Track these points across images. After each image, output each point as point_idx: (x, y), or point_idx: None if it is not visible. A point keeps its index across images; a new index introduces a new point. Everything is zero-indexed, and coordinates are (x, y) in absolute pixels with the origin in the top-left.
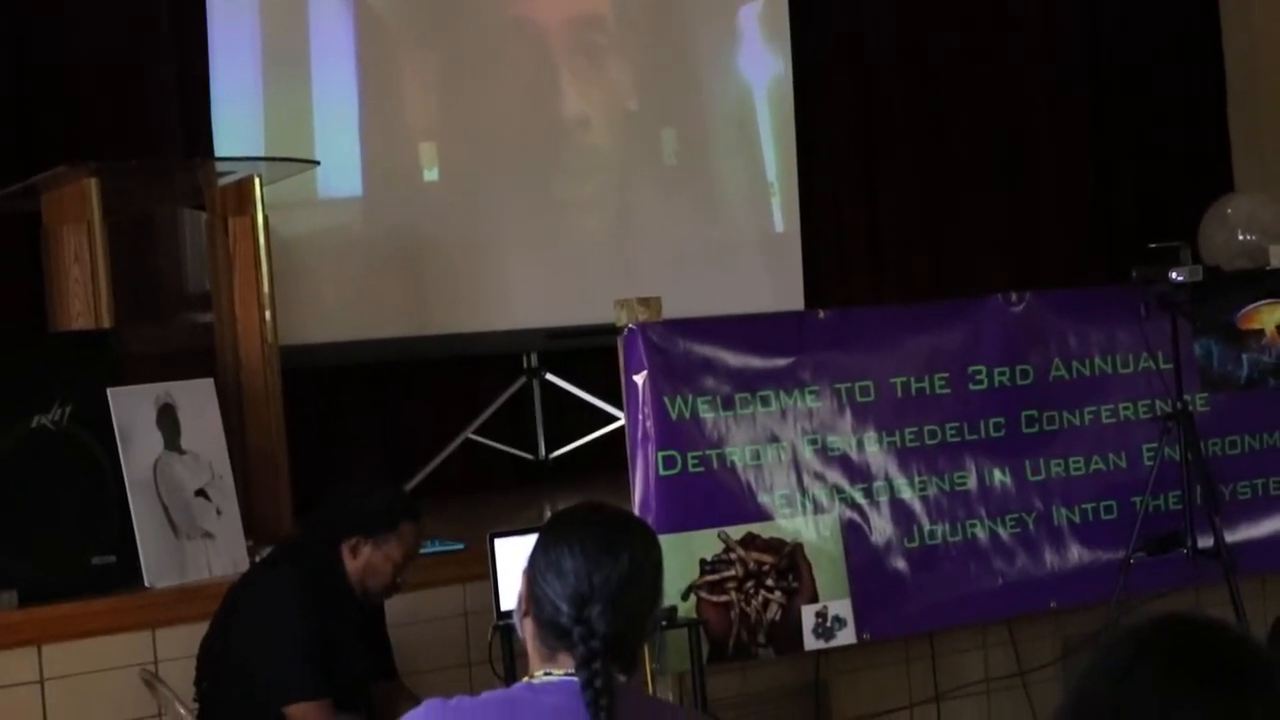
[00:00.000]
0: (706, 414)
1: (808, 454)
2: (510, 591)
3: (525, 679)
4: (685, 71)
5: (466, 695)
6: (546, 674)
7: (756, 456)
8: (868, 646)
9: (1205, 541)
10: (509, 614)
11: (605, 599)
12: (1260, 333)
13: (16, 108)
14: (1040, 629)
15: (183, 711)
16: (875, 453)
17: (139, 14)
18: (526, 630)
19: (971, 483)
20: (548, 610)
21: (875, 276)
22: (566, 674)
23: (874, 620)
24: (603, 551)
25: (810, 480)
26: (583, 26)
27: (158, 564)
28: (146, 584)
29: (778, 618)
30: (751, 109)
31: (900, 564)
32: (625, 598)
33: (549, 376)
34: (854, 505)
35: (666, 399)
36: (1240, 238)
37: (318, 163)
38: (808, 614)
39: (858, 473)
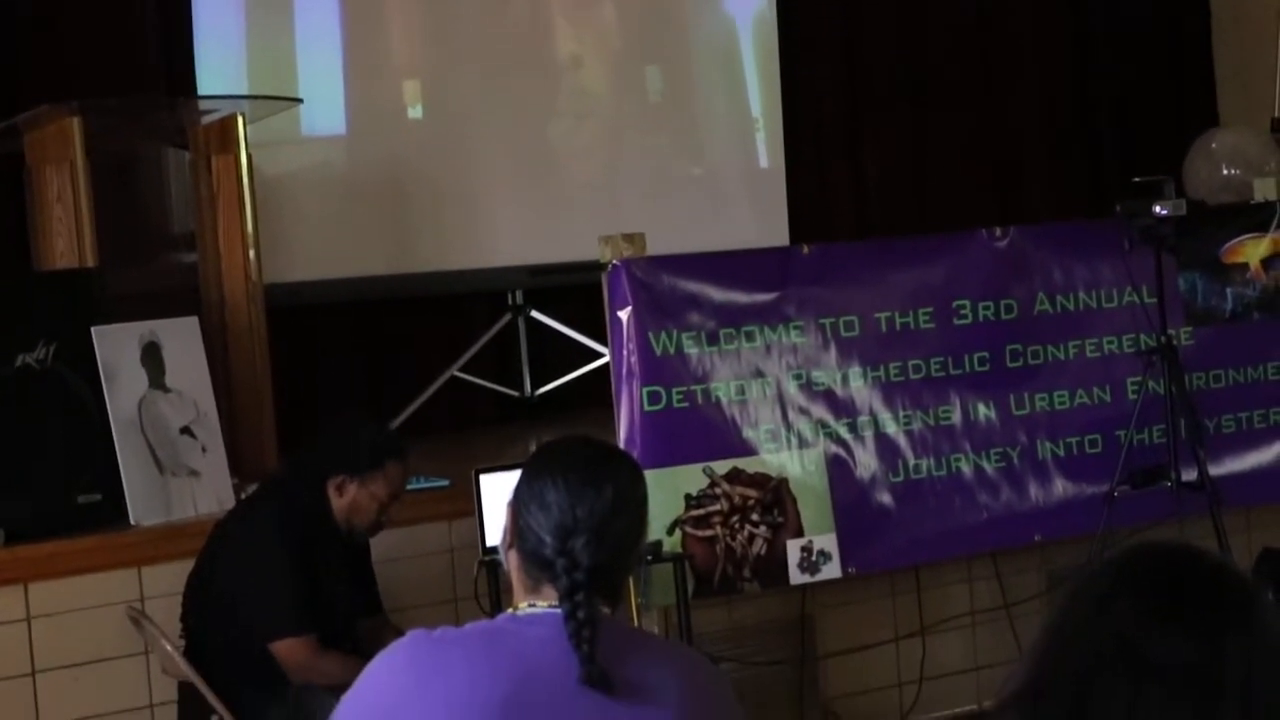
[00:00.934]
0: (691, 349)
1: (792, 389)
2: (496, 527)
3: (509, 610)
4: (669, 8)
5: (450, 626)
6: (531, 606)
7: (741, 392)
8: (853, 581)
9: (1189, 475)
10: (494, 549)
11: (589, 531)
12: (1244, 267)
13: None
14: (1025, 562)
15: (169, 648)
16: (860, 387)
17: None
18: (511, 562)
19: (956, 417)
20: (531, 542)
21: (860, 212)
22: (550, 606)
23: (859, 554)
24: (587, 484)
25: (795, 415)
26: None
27: (143, 502)
28: (132, 522)
29: (763, 552)
30: (736, 44)
31: (885, 498)
32: (609, 530)
33: (534, 313)
34: (839, 440)
35: (651, 334)
36: (1225, 172)
37: (301, 100)
38: (793, 548)
39: (842, 407)
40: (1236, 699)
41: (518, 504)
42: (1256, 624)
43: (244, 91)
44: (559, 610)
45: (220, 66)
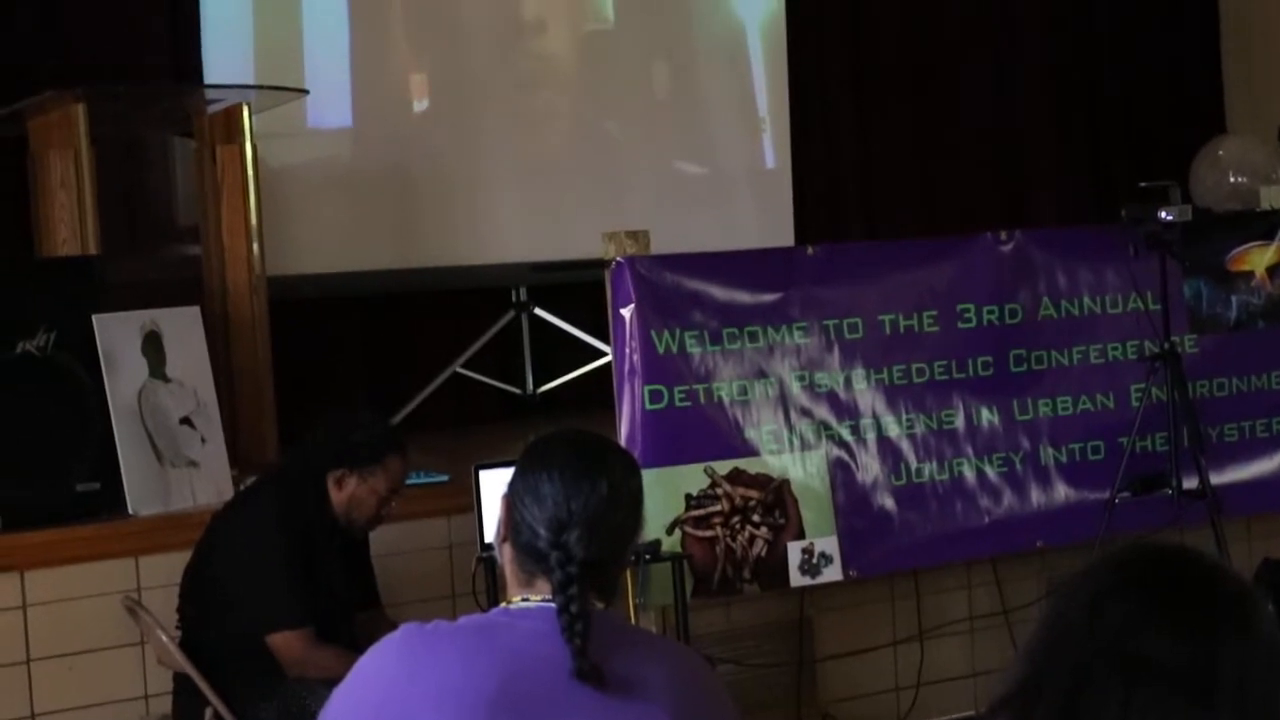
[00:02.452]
0: (694, 348)
1: (795, 390)
2: (494, 524)
3: (503, 604)
4: (678, 5)
5: (444, 619)
6: (524, 599)
7: (744, 392)
8: (852, 584)
9: (1191, 483)
10: (493, 545)
11: (583, 524)
12: (1250, 275)
13: (4, 33)
14: (1025, 568)
15: (165, 639)
16: (863, 390)
17: None
18: (505, 556)
19: (959, 421)
20: (525, 535)
21: (865, 213)
22: (544, 599)
23: (860, 557)
24: (581, 477)
25: (797, 417)
26: None
27: (141, 491)
28: (130, 511)
29: (763, 553)
30: (743, 43)
31: (887, 502)
32: (603, 523)
33: (537, 310)
34: (841, 442)
35: (654, 333)
36: (1231, 180)
37: (307, 92)
38: (794, 550)
39: (845, 410)
40: (1230, 701)
41: (512, 497)
42: (1251, 626)
43: (250, 81)
44: (552, 604)
45: (227, 56)
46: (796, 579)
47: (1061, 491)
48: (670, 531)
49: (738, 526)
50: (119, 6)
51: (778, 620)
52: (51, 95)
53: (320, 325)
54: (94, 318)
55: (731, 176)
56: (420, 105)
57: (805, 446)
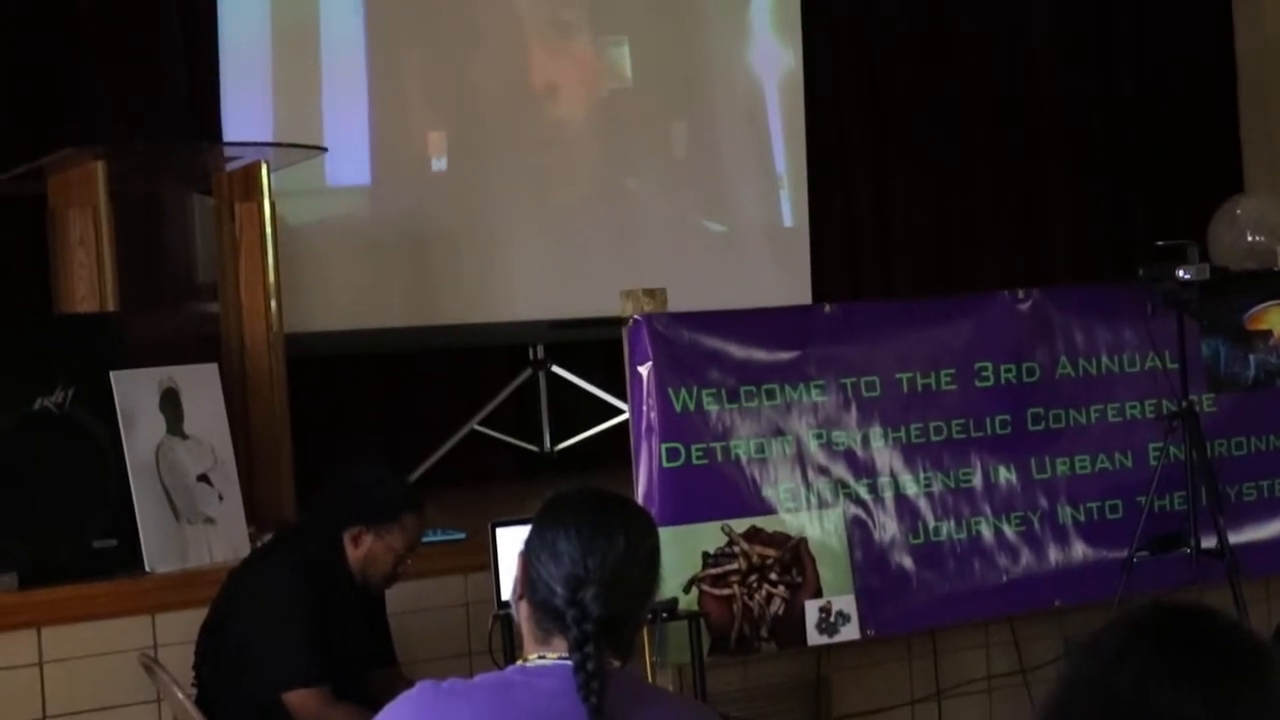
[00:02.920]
0: (711, 406)
1: (813, 448)
2: (511, 581)
3: (519, 662)
4: (696, 64)
5: (460, 678)
6: (540, 657)
7: (761, 450)
8: (870, 643)
9: (1209, 542)
10: (510, 603)
11: (600, 582)
12: (1268, 334)
13: (25, 89)
14: (1043, 628)
15: (181, 696)
16: (880, 448)
17: None
18: (521, 613)
19: (977, 480)
20: (542, 592)
21: (883, 272)
22: (560, 657)
23: (878, 616)
24: (598, 534)
25: (815, 475)
26: (596, 18)
27: (158, 548)
28: (147, 568)
29: (781, 612)
30: (761, 102)
31: (905, 560)
32: (620, 581)
33: (555, 368)
34: (859, 501)
35: (671, 390)
36: (1249, 239)
37: (325, 149)
38: (811, 609)
39: (863, 468)
40: None
41: (529, 554)
42: (1268, 683)
43: (269, 139)
44: (569, 662)
45: (246, 113)
46: (814, 638)
47: (1079, 550)
48: (687, 590)
49: (755, 585)
50: (139, 64)
51: (795, 679)
52: (71, 152)
53: (338, 382)
54: (112, 374)
55: (749, 234)
56: (438, 163)
57: (823, 505)
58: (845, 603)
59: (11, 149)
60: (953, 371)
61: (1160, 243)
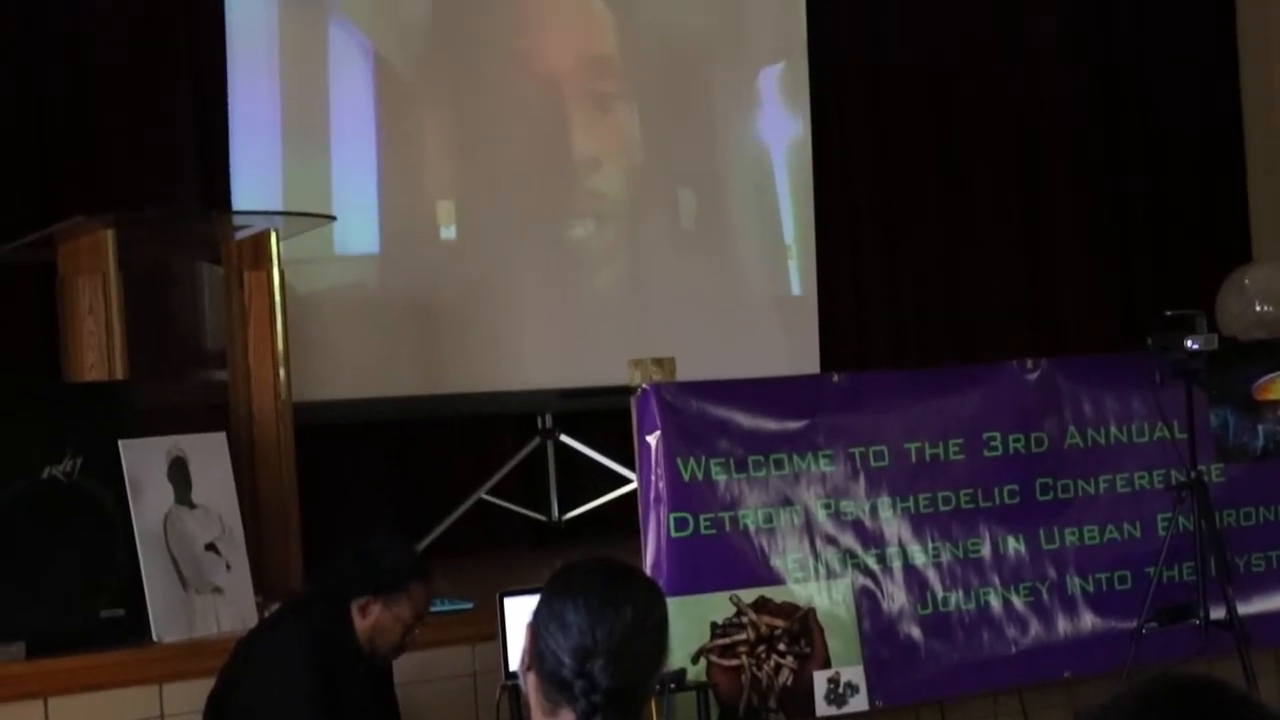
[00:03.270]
0: (719, 476)
1: (821, 518)
2: (519, 652)
3: None
4: (704, 133)
5: None
6: None
7: (769, 520)
8: (879, 713)
9: (1219, 613)
10: (518, 674)
11: (608, 653)
12: (1276, 404)
13: (36, 156)
14: (1051, 698)
15: None
16: (889, 518)
17: (160, 66)
18: (529, 684)
19: (985, 550)
20: (550, 663)
21: (892, 341)
22: None
23: (886, 687)
24: (606, 605)
25: (823, 545)
26: (602, 88)
27: (166, 617)
28: (154, 638)
29: (789, 683)
30: (770, 171)
31: (914, 631)
32: (628, 652)
33: (563, 437)
34: (867, 571)
35: (679, 460)
36: (1257, 308)
37: (334, 218)
38: (820, 680)
39: (871, 538)
40: None
41: (537, 624)
42: None
43: (278, 207)
44: None
45: (255, 182)
46: (823, 708)
47: (1088, 621)
48: (695, 660)
49: (763, 655)
50: (149, 133)
51: None
52: (81, 221)
53: (346, 450)
54: (121, 443)
55: (758, 303)
56: (447, 232)
57: (831, 575)
58: (854, 673)
59: (22, 216)
60: (961, 441)
61: (1169, 312)
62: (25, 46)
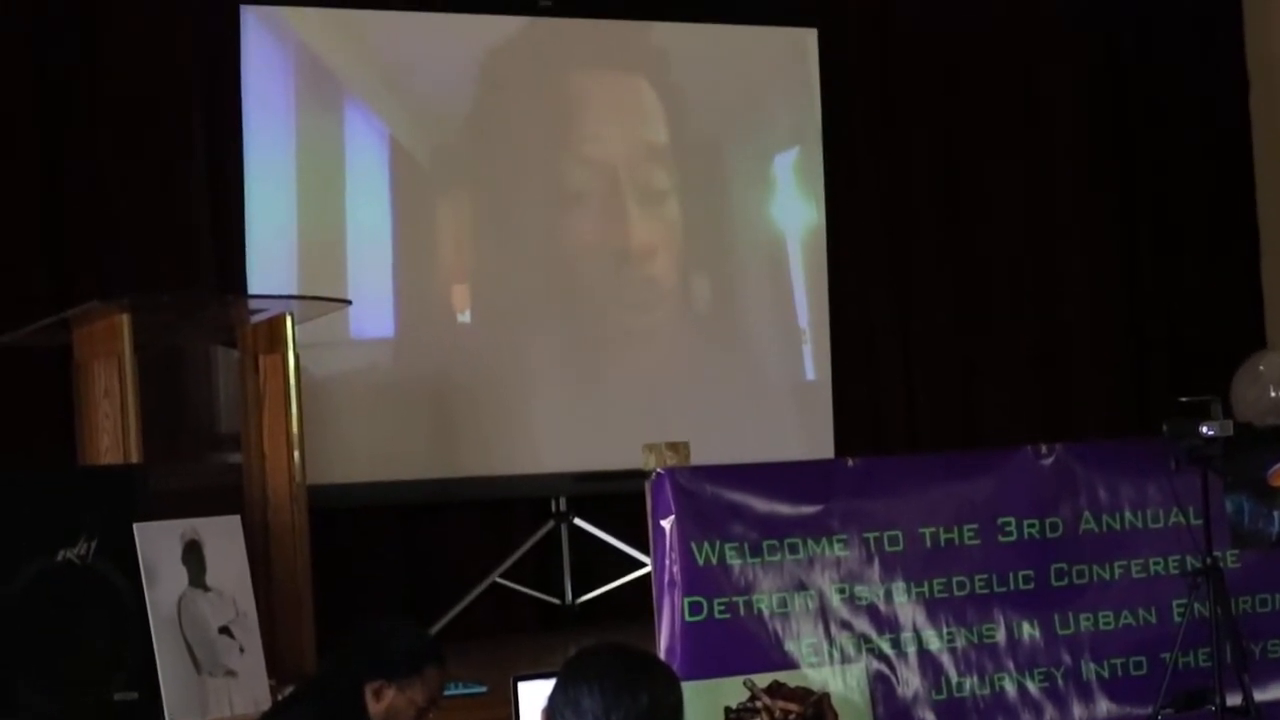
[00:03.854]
0: (734, 560)
1: (836, 602)
2: None
3: None
4: (719, 218)
5: None
6: None
7: (784, 604)
8: None
9: (1235, 699)
10: None
11: None
12: None
13: (53, 241)
14: None
15: None
16: (903, 603)
17: (175, 149)
18: None
19: (1000, 635)
20: None
21: (906, 425)
22: None
23: None
24: (622, 690)
25: (837, 629)
26: (615, 173)
27: (179, 701)
28: None
29: None
30: (784, 256)
31: (928, 716)
32: None
33: (577, 521)
34: (881, 656)
35: (694, 544)
36: (1272, 394)
37: (349, 302)
38: None
39: (885, 623)
40: None
41: (552, 710)
42: None
43: (294, 291)
44: None
45: (271, 266)
46: None
47: (1104, 707)
48: None
49: None
50: (166, 217)
51: None
52: (97, 305)
53: (360, 533)
54: (135, 526)
55: (772, 388)
56: (462, 316)
57: (845, 659)
58: None
59: (38, 300)
60: (976, 526)
61: (1183, 399)
62: (43, 127)
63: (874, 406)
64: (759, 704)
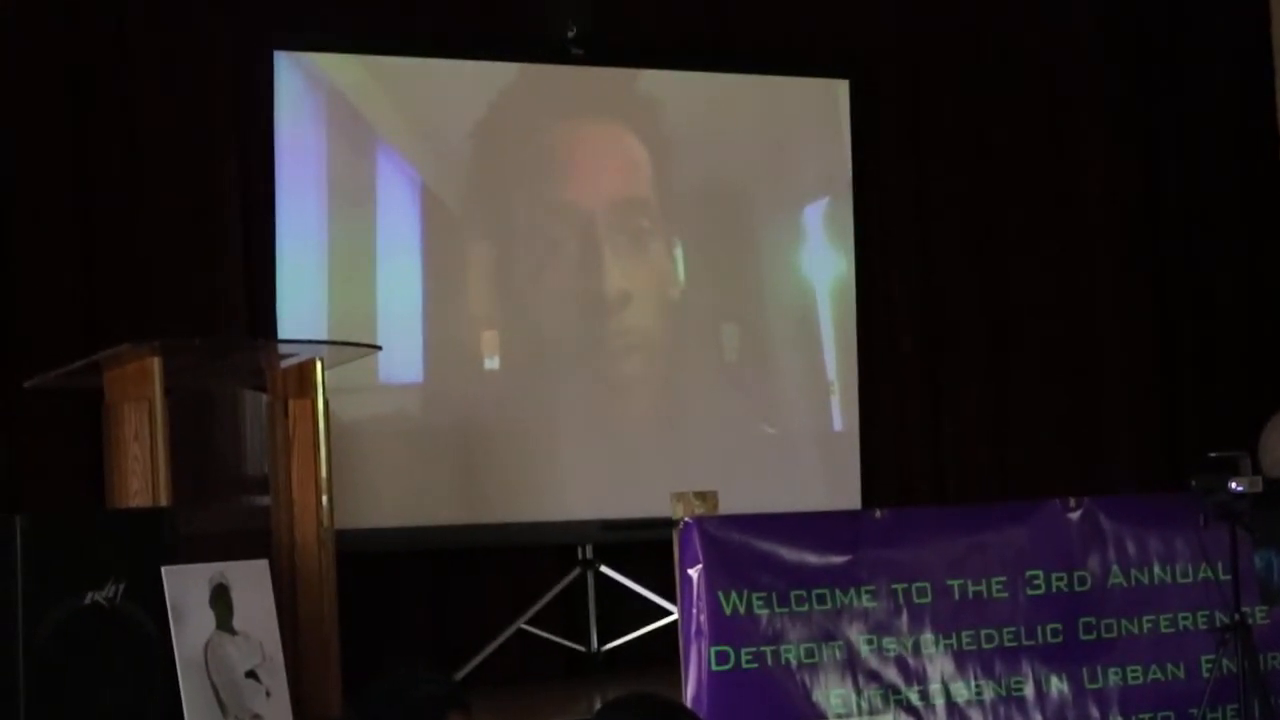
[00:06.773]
0: (761, 610)
1: (864, 653)
2: None
3: None
4: (748, 268)
5: None
6: None
7: (811, 655)
8: None
9: None
10: None
11: None
12: None
13: (83, 287)
14: None
15: None
16: (932, 655)
17: (207, 193)
18: None
19: (1028, 689)
20: None
21: (935, 477)
22: None
23: None
24: None
25: (865, 681)
26: (650, 222)
27: None
28: None
29: None
30: (813, 306)
31: None
32: None
33: (603, 569)
34: (910, 708)
35: (721, 594)
36: None
37: (379, 347)
38: None
39: (913, 675)
40: None
41: None
42: None
43: (324, 336)
44: None
45: (301, 311)
46: None
47: None
48: None
49: None
50: (196, 262)
51: None
52: (128, 348)
53: (386, 578)
54: (163, 570)
55: (800, 439)
56: (491, 363)
57: (873, 711)
58: None
59: (69, 343)
60: (1004, 579)
61: (1212, 454)
62: (76, 170)
63: (902, 458)
64: None
